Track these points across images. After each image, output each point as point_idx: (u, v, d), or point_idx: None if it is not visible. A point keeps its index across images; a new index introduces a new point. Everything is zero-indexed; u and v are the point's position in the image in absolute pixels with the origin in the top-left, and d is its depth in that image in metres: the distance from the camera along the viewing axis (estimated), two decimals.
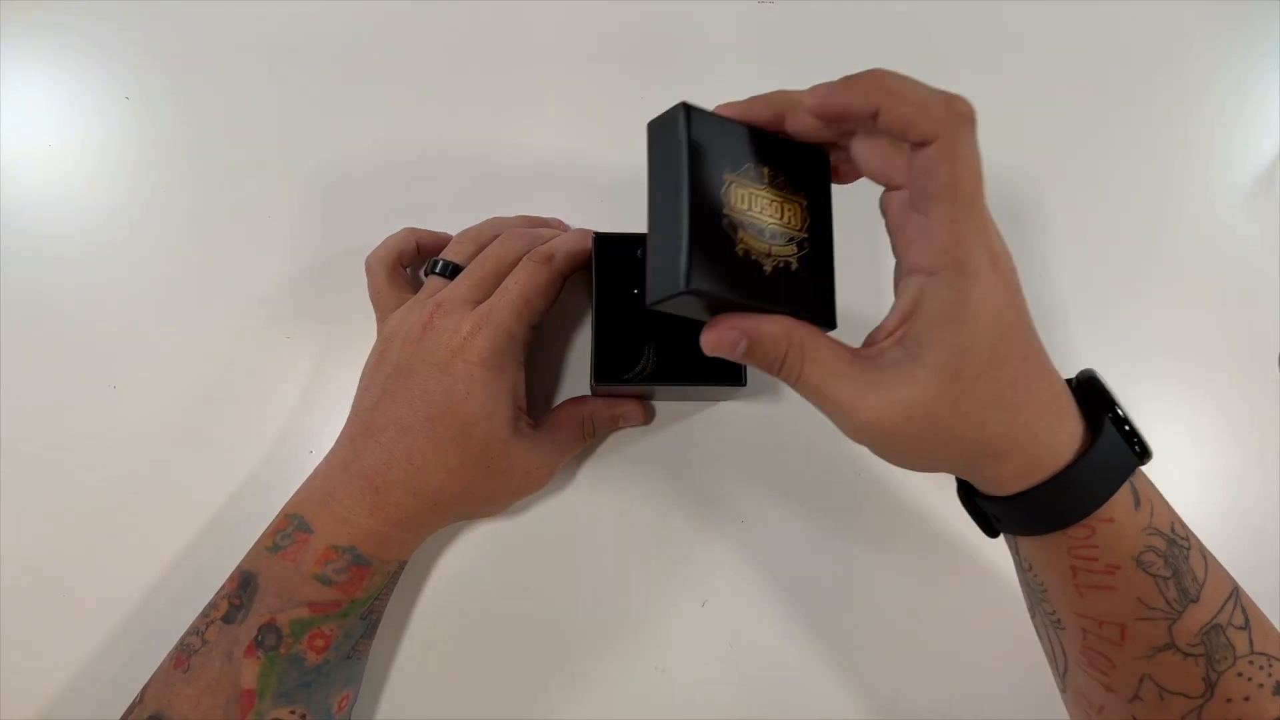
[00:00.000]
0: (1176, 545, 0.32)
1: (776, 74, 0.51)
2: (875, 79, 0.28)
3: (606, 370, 0.42)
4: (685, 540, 0.46)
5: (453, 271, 0.41)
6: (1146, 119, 0.51)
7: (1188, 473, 0.48)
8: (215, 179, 0.48)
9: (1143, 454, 0.32)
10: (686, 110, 0.31)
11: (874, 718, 0.45)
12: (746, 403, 0.47)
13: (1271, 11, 0.53)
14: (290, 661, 0.36)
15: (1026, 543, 0.34)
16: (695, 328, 0.31)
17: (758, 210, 0.31)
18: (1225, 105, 0.52)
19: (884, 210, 0.31)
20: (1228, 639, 0.32)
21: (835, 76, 0.54)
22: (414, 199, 0.48)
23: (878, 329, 0.31)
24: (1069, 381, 0.33)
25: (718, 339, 0.30)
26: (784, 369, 0.30)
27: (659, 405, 0.47)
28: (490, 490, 0.40)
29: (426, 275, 0.44)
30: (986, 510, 0.34)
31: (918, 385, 0.29)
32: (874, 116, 0.28)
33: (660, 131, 0.32)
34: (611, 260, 0.42)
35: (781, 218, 0.31)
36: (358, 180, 0.49)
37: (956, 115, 0.28)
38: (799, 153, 0.32)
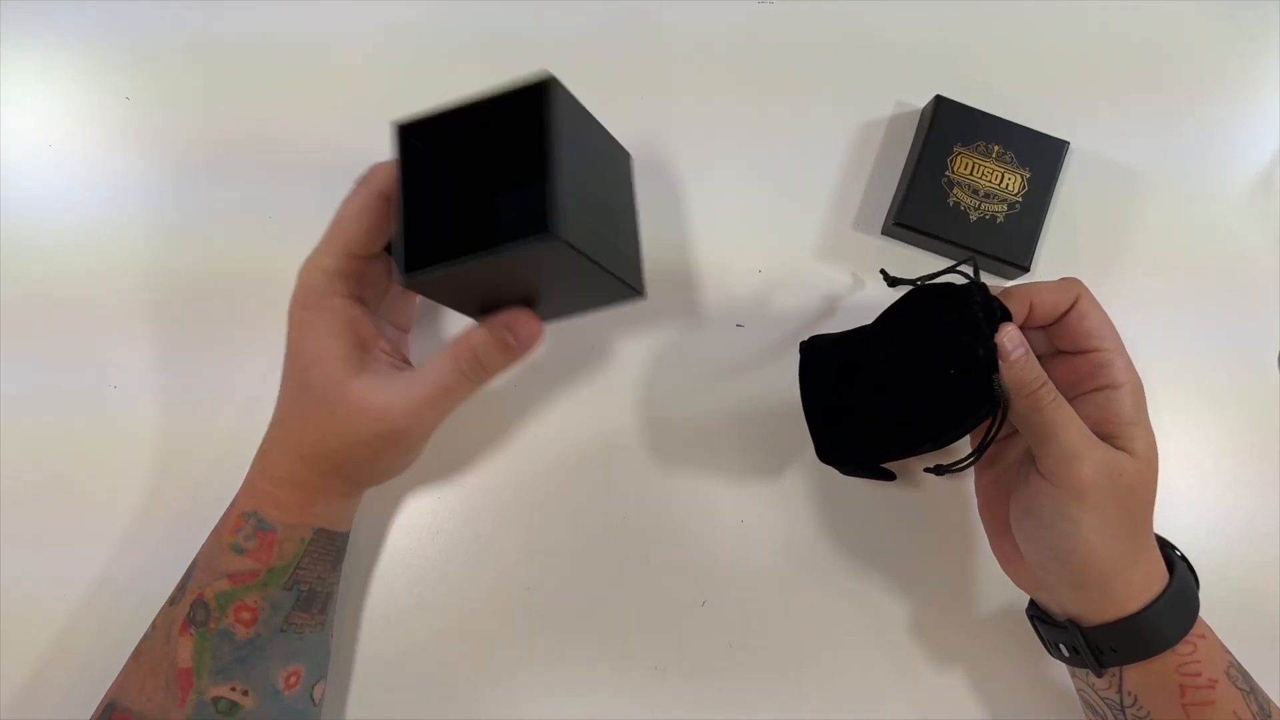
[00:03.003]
0: (1235, 667, 0.37)
1: (776, 74, 0.51)
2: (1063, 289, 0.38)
3: (417, 256, 0.33)
4: (685, 540, 0.46)
5: None
6: (1146, 119, 0.51)
7: (1188, 473, 0.48)
8: (215, 179, 0.48)
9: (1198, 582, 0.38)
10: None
11: (874, 718, 0.45)
12: (747, 403, 0.47)
13: (1271, 11, 0.53)
14: (221, 636, 0.36)
15: (1134, 672, 0.36)
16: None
17: None
18: (1225, 105, 0.52)
19: (1069, 324, 0.39)
20: None
21: (835, 77, 0.54)
22: None
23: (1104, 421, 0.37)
24: None
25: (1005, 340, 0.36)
26: (1044, 388, 0.36)
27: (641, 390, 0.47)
28: (347, 438, 0.36)
29: None
30: (1099, 644, 0.37)
31: (1131, 460, 0.36)
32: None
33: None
34: (427, 140, 0.36)
35: None
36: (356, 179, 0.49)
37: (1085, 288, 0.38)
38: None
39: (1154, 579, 0.36)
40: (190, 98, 0.49)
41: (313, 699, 0.39)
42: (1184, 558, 0.38)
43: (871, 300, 0.48)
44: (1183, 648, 0.35)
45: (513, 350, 0.37)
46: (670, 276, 0.48)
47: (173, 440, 0.46)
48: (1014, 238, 0.47)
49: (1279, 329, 0.49)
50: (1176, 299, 0.49)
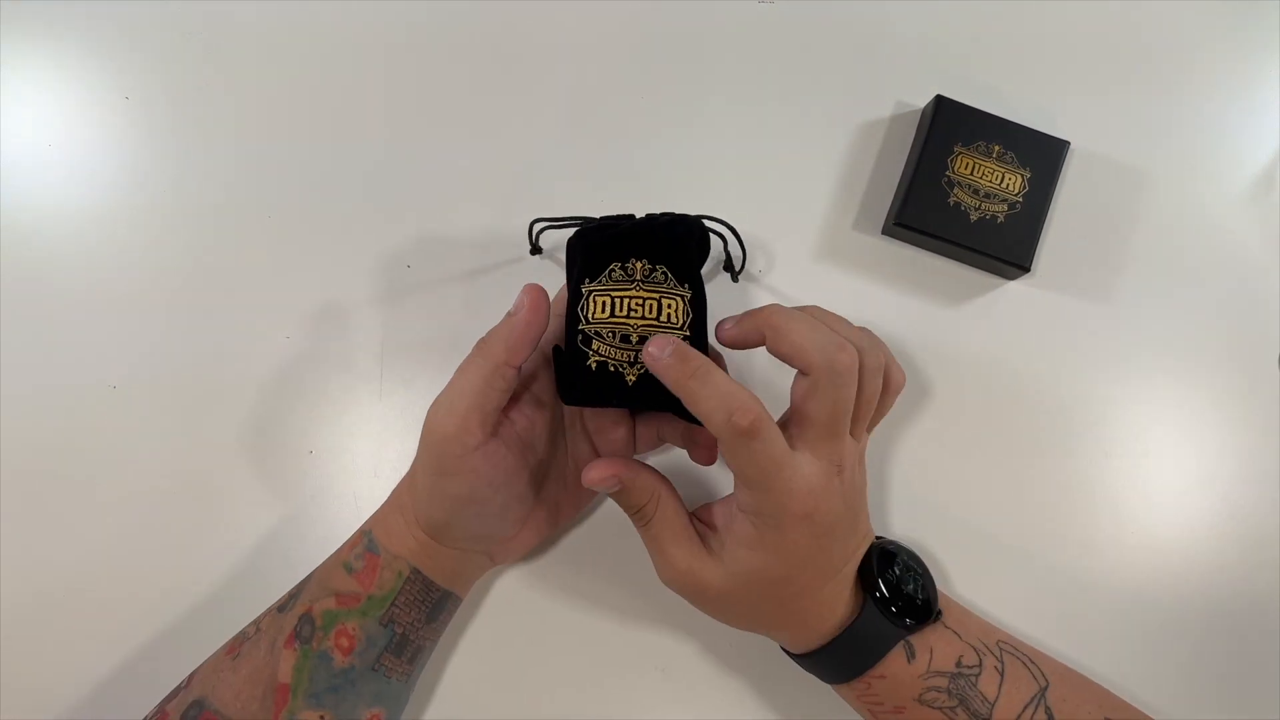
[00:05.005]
0: (962, 676, 0.37)
1: (777, 74, 0.51)
2: (766, 318, 0.35)
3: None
4: None
5: None
6: (1146, 119, 0.51)
7: (1187, 473, 0.48)
8: (215, 178, 0.48)
9: (917, 622, 0.37)
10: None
11: None
12: None
13: (1271, 11, 0.53)
14: (321, 658, 0.36)
15: (835, 687, 0.40)
16: None
17: None
18: (1225, 105, 0.52)
19: (793, 392, 0.35)
20: None
21: (835, 77, 0.54)
22: (414, 199, 0.49)
23: (704, 509, 0.38)
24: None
25: (598, 476, 0.36)
26: (640, 513, 0.37)
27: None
28: (421, 457, 0.37)
29: None
30: (796, 663, 0.41)
31: (720, 576, 0.36)
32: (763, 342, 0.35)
33: None
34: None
35: None
36: (358, 179, 0.49)
37: (832, 366, 0.33)
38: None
39: (810, 639, 0.38)
40: (190, 97, 0.49)
41: None
42: (881, 598, 0.37)
43: (871, 300, 0.49)
44: (856, 684, 0.38)
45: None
46: None
47: (173, 440, 0.46)
48: (1014, 238, 0.47)
49: (1279, 329, 0.49)
50: (1176, 298, 0.49)
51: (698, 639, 0.45)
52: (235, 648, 0.38)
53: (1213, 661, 0.46)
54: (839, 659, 0.38)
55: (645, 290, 0.36)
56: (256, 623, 0.38)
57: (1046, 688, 0.38)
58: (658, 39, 0.51)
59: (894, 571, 0.38)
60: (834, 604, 0.37)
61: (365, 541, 0.39)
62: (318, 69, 0.50)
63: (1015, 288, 0.49)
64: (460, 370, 0.36)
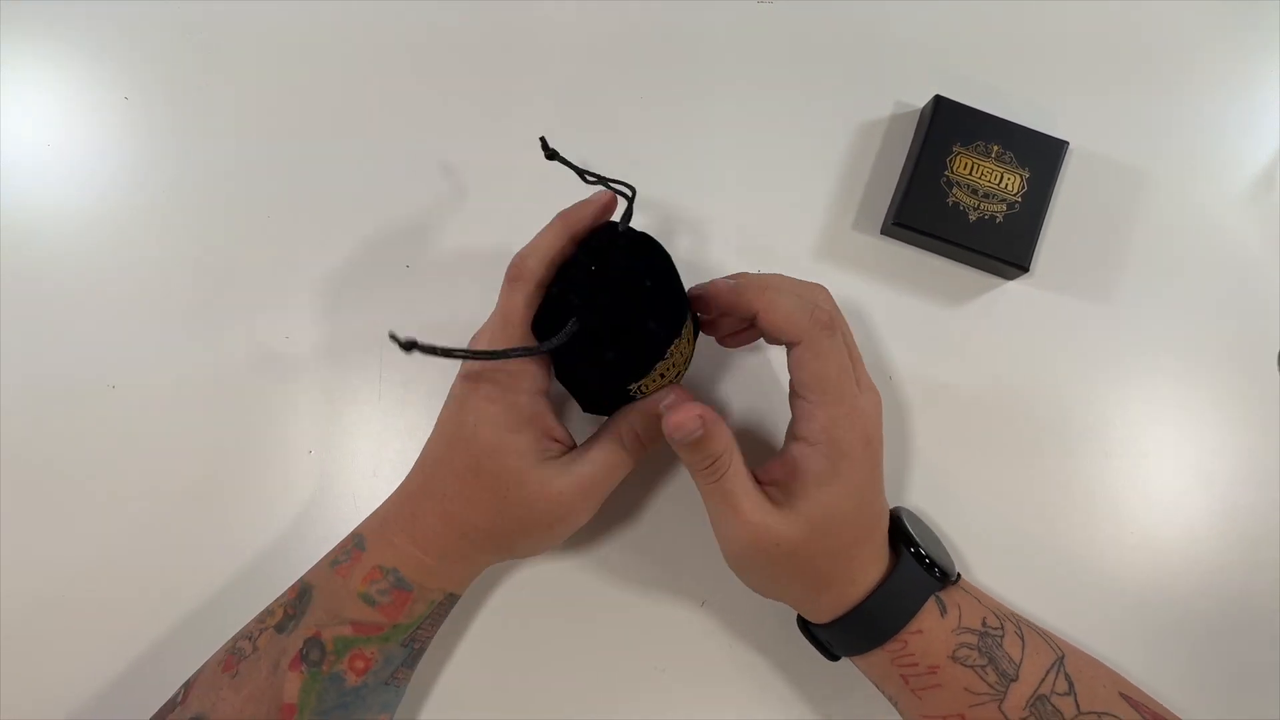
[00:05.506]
0: (989, 635, 0.37)
1: (776, 74, 0.51)
2: (756, 289, 0.37)
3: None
4: (685, 540, 0.46)
5: None
6: (1145, 118, 0.51)
7: (1187, 473, 0.48)
8: (215, 178, 0.48)
9: (944, 577, 0.38)
10: None
11: (874, 718, 0.45)
12: (747, 401, 0.47)
13: (1271, 11, 0.53)
14: (331, 680, 0.36)
15: (861, 664, 0.40)
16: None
17: None
18: (1225, 105, 0.52)
19: (790, 367, 0.37)
20: (1054, 706, 0.36)
21: (835, 77, 0.54)
22: (413, 198, 0.49)
23: (763, 470, 0.38)
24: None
25: (683, 419, 0.35)
26: (714, 465, 0.36)
27: None
28: (518, 520, 0.37)
29: None
30: (821, 638, 0.41)
31: (795, 525, 0.35)
32: (755, 318, 0.37)
33: None
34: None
35: None
36: (358, 179, 0.49)
37: (817, 324, 0.36)
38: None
39: (848, 598, 0.37)
40: (190, 97, 0.49)
41: None
42: (918, 552, 0.38)
43: (871, 300, 0.49)
44: (892, 645, 0.37)
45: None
46: None
47: (172, 440, 0.46)
48: (1013, 238, 0.47)
49: (1279, 329, 0.49)
50: (1176, 299, 0.49)
51: (698, 639, 0.45)
52: (232, 665, 0.37)
53: (1212, 661, 0.46)
54: (875, 618, 0.37)
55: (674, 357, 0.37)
56: (251, 639, 0.37)
57: (1063, 658, 0.38)
58: (656, 39, 0.51)
59: (916, 532, 0.39)
60: (874, 560, 0.38)
61: (391, 579, 0.37)
62: (317, 69, 0.50)
63: (1014, 288, 0.49)
64: (591, 457, 0.38)
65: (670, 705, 0.44)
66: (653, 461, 0.46)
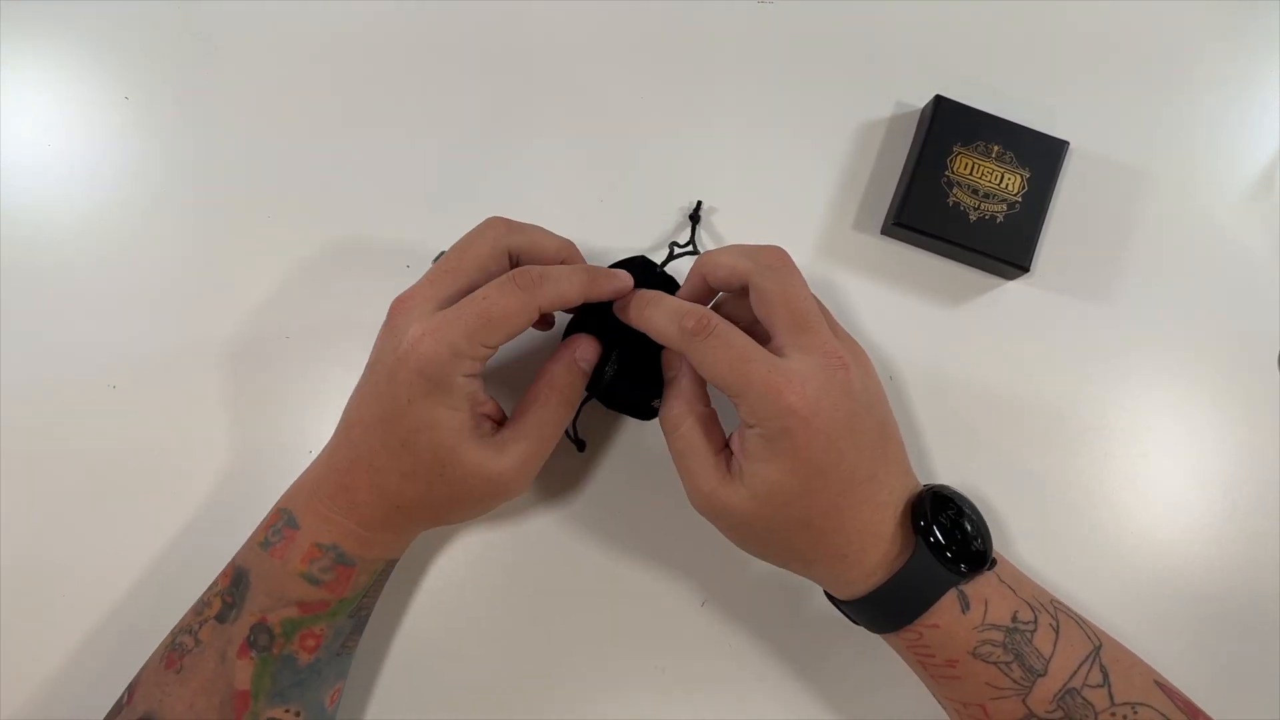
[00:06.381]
0: (1018, 631, 0.36)
1: (776, 74, 0.51)
2: (698, 265, 0.39)
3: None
4: (685, 540, 0.46)
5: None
6: (1146, 119, 0.51)
7: (1186, 473, 0.48)
8: (215, 178, 0.48)
9: (974, 566, 0.36)
10: None
11: (874, 717, 0.45)
12: None
13: (1271, 11, 0.53)
14: (283, 662, 0.36)
15: (885, 637, 0.39)
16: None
17: None
18: (1225, 105, 0.52)
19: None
20: (1085, 699, 0.35)
21: (835, 77, 0.54)
22: (413, 198, 0.49)
23: (732, 436, 0.37)
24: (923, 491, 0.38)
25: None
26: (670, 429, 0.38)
27: None
28: (453, 495, 0.37)
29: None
30: (840, 610, 0.40)
31: (741, 497, 0.35)
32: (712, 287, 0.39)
33: None
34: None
35: None
36: (358, 179, 0.49)
37: (760, 263, 0.37)
38: None
39: (851, 582, 0.37)
40: (190, 97, 0.49)
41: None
42: (936, 542, 0.36)
43: (871, 300, 0.49)
44: (906, 634, 0.37)
45: (580, 368, 0.40)
46: None
47: (172, 439, 0.46)
48: (1014, 238, 0.47)
49: (1279, 329, 0.49)
50: (1176, 299, 0.49)
51: (698, 638, 0.45)
52: (175, 661, 0.36)
53: (1213, 661, 0.46)
54: (887, 605, 0.36)
55: None
56: (191, 633, 0.37)
57: (1100, 648, 0.37)
58: (656, 39, 0.51)
59: (948, 515, 0.36)
60: (874, 536, 0.36)
61: (332, 556, 0.37)
62: (318, 69, 0.50)
63: (1014, 288, 0.49)
64: (525, 431, 0.38)
65: (670, 705, 0.44)
66: (653, 462, 0.47)
